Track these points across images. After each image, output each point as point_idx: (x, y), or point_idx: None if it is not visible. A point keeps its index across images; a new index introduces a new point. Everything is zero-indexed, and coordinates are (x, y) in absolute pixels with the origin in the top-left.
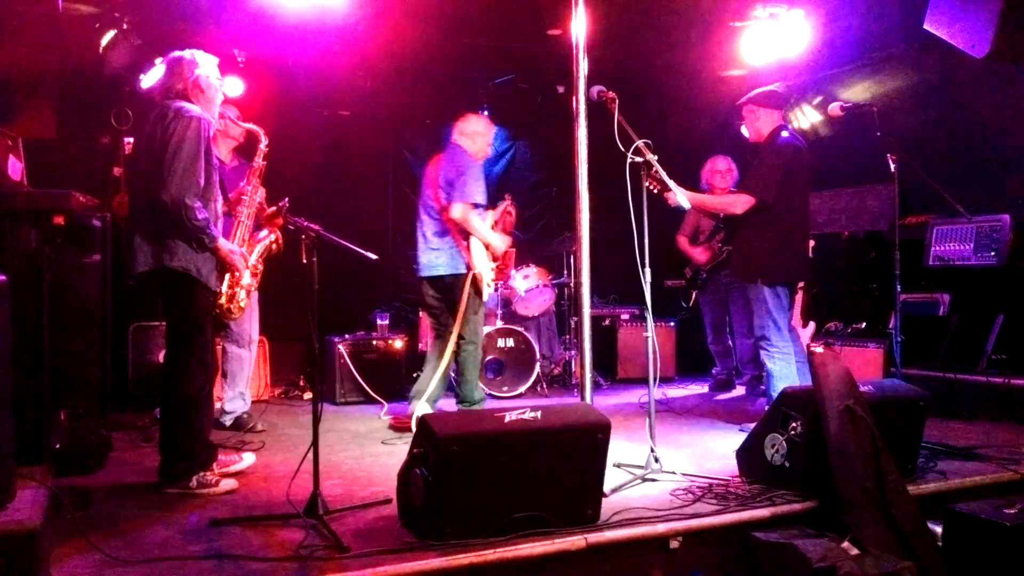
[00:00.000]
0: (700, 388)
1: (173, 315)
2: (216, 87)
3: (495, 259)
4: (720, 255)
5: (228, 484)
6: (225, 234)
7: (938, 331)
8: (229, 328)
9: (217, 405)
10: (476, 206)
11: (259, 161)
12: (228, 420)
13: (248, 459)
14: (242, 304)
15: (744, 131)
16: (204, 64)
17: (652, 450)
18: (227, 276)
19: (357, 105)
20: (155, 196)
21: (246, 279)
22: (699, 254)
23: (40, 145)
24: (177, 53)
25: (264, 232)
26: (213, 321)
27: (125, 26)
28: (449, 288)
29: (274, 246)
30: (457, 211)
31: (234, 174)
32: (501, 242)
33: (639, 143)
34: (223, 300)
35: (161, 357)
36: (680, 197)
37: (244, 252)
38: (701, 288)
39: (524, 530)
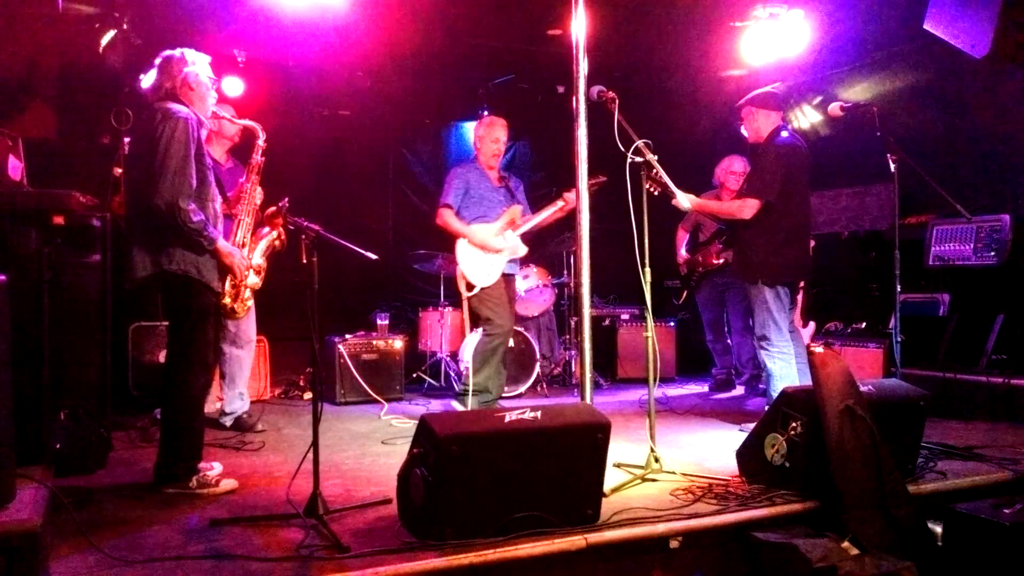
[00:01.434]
0: (700, 388)
1: (176, 316)
2: (207, 84)
3: (498, 250)
4: (717, 262)
5: (228, 484)
6: (226, 234)
7: (938, 331)
8: (227, 329)
9: (217, 406)
10: (447, 206)
11: (257, 158)
12: (228, 421)
13: (218, 468)
14: (248, 304)
15: (744, 132)
16: (194, 62)
17: (652, 450)
18: (229, 276)
19: (357, 105)
20: (149, 201)
21: (251, 279)
22: (680, 257)
23: (40, 145)
24: (167, 52)
25: (266, 229)
26: (216, 321)
27: (125, 26)
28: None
29: (277, 243)
30: (437, 217)
31: (229, 176)
32: (485, 234)
33: (639, 143)
34: (227, 300)
35: (162, 357)
36: (681, 198)
37: (244, 253)
38: (695, 287)
39: (524, 530)
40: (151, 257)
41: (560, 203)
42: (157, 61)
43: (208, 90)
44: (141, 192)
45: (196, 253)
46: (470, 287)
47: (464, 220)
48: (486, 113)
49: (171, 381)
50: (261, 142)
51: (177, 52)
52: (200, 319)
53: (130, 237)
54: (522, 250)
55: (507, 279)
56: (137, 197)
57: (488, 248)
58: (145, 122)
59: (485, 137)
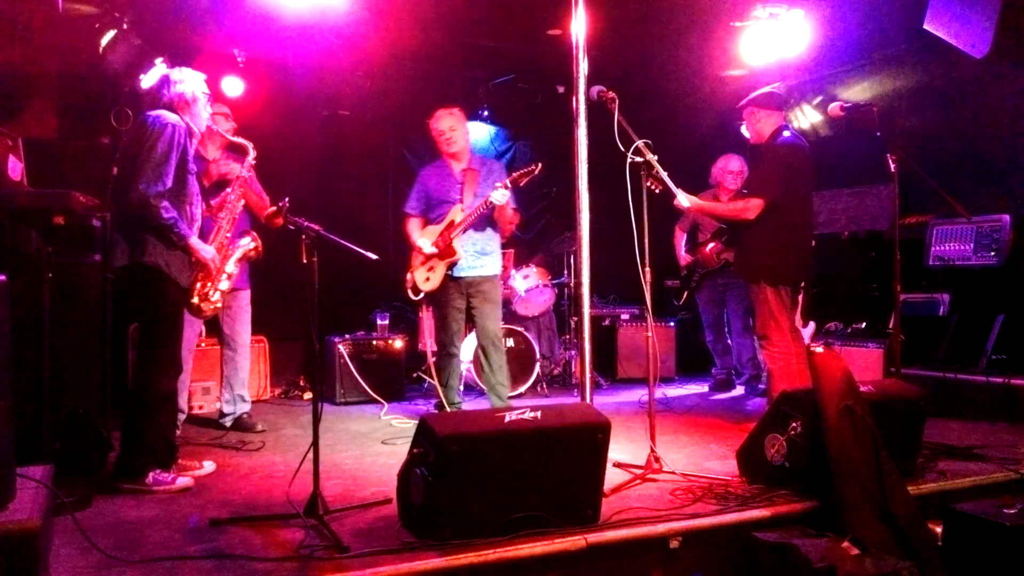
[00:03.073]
0: (700, 388)
1: (146, 311)
2: (202, 100)
3: (425, 260)
4: (718, 263)
5: (183, 482)
6: (207, 238)
7: (938, 331)
8: (222, 332)
9: (217, 406)
10: (405, 214)
11: (244, 173)
12: (228, 421)
13: (208, 467)
14: (216, 304)
15: (745, 132)
16: (190, 80)
17: (652, 450)
18: (200, 275)
19: (357, 105)
20: (126, 196)
21: (223, 284)
22: (682, 259)
23: (40, 145)
24: (167, 71)
25: (247, 239)
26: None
27: (125, 26)
28: None
29: (253, 253)
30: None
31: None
32: (424, 243)
33: (639, 143)
34: (195, 299)
35: None
36: (682, 198)
37: (216, 253)
38: (696, 287)
39: (524, 530)
40: (128, 250)
41: (491, 197)
42: (158, 77)
43: (204, 107)
44: (123, 189)
45: (167, 249)
46: (416, 291)
47: (432, 223)
48: (486, 113)
49: (142, 376)
50: (251, 159)
51: (176, 73)
52: (169, 315)
53: (115, 230)
54: (459, 255)
55: (466, 282)
56: (120, 194)
57: (424, 257)
58: (137, 126)
59: (434, 131)
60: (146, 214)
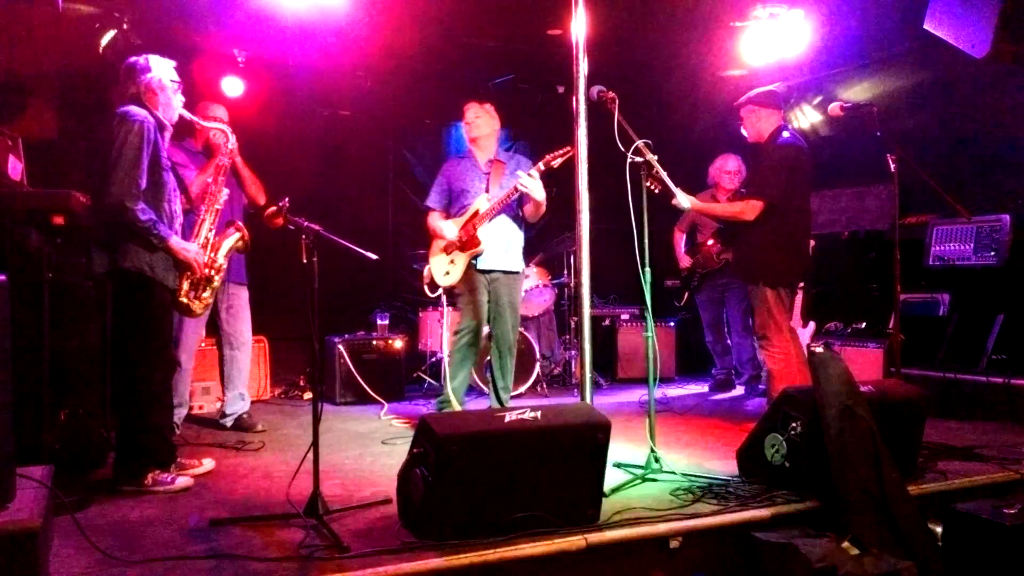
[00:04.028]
0: (700, 388)
1: (131, 314)
2: (171, 88)
3: (447, 250)
4: (719, 263)
5: (183, 482)
6: (188, 231)
7: (938, 331)
8: (222, 331)
9: (217, 406)
10: (428, 208)
11: (224, 160)
12: (228, 421)
13: (208, 464)
14: (208, 301)
15: (744, 132)
16: (157, 67)
17: (652, 450)
18: (187, 273)
19: (357, 105)
20: (100, 200)
21: (216, 281)
22: (683, 260)
23: (40, 145)
24: (131, 59)
25: (231, 231)
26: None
27: (125, 26)
28: None
29: (240, 244)
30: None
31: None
32: (450, 231)
33: (639, 143)
34: (183, 298)
35: None
36: (681, 198)
37: (200, 250)
38: (697, 288)
39: (524, 530)
40: (107, 254)
41: (520, 180)
42: (123, 68)
43: (173, 94)
44: (97, 192)
45: (149, 251)
46: (434, 287)
47: (453, 216)
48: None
49: (131, 378)
50: (230, 145)
51: (141, 59)
52: (156, 316)
53: (91, 234)
54: (482, 247)
55: (490, 276)
56: (94, 196)
57: (445, 247)
58: (106, 125)
59: (463, 124)
60: (123, 217)
